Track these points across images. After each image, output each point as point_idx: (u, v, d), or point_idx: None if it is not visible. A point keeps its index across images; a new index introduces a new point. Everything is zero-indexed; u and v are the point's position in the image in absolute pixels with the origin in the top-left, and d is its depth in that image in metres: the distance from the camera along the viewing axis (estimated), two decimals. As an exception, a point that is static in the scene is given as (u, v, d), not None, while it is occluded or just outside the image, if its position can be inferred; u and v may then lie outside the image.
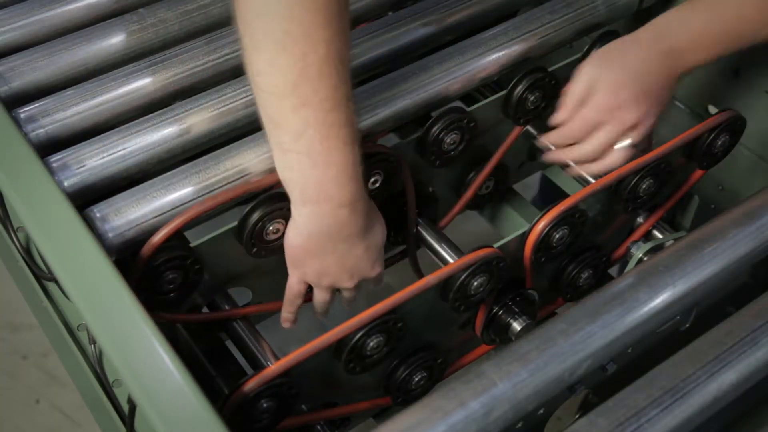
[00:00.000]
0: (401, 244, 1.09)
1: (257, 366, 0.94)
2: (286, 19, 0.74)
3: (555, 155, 1.03)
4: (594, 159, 0.98)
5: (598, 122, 0.96)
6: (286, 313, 0.97)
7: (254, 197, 0.92)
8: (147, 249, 0.86)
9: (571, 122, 0.98)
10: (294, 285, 0.93)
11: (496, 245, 0.92)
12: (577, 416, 0.79)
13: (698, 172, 1.08)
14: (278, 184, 0.92)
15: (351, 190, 0.83)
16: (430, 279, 0.87)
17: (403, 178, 1.00)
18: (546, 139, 1.03)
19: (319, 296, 0.94)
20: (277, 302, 0.98)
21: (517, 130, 1.09)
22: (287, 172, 0.83)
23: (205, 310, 0.99)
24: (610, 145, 0.96)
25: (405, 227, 1.05)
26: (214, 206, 0.89)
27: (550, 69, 1.09)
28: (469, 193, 1.12)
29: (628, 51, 0.96)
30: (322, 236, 0.85)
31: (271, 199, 0.91)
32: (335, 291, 0.94)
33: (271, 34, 0.75)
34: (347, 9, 0.78)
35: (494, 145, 1.12)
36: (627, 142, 0.96)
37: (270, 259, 0.95)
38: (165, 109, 0.98)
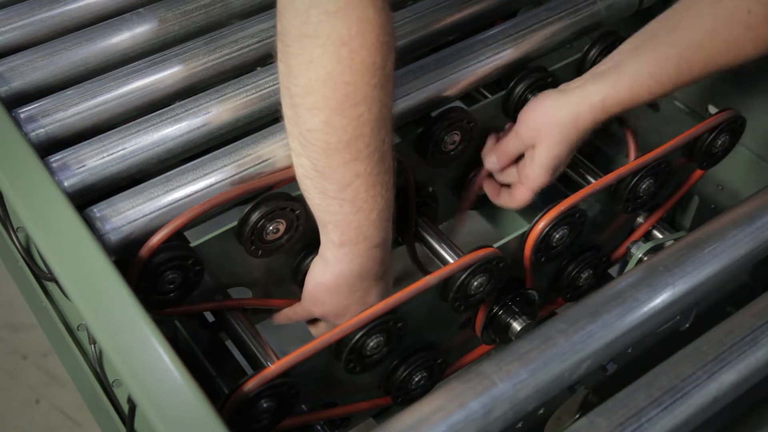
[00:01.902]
0: (401, 244, 1.09)
1: (257, 366, 0.94)
2: (347, 84, 0.76)
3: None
4: None
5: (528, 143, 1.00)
6: (281, 319, 0.98)
7: (254, 197, 0.92)
8: (145, 250, 0.86)
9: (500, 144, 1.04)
10: (301, 315, 0.94)
11: (496, 245, 0.92)
12: (577, 416, 0.79)
13: (698, 172, 1.08)
14: (278, 184, 0.92)
15: (386, 229, 0.86)
16: (430, 279, 0.87)
17: (404, 178, 1.00)
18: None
19: (322, 330, 0.95)
20: (281, 300, 0.98)
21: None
22: (327, 216, 0.84)
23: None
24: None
25: (405, 227, 1.05)
26: (213, 207, 0.89)
27: (550, 69, 1.09)
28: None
29: (559, 103, 0.97)
30: (353, 276, 0.87)
31: (271, 198, 0.91)
32: None
33: (332, 97, 0.77)
34: (393, 64, 0.80)
35: (494, 145, 1.12)
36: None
37: (270, 259, 0.95)
38: (165, 109, 0.98)
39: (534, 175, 0.98)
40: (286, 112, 0.81)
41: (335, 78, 0.76)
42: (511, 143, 1.01)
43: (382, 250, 0.87)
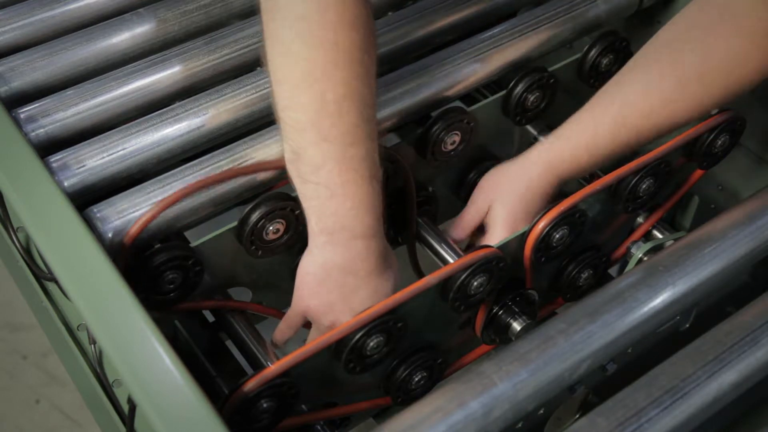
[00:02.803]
0: (401, 244, 1.09)
1: (257, 366, 0.94)
2: (306, 59, 0.77)
3: None
4: None
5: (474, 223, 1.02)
6: (279, 335, 0.96)
7: (254, 197, 0.92)
8: (128, 238, 0.86)
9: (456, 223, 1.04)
10: (293, 317, 0.92)
11: (496, 245, 0.92)
12: (577, 416, 0.79)
13: (698, 172, 1.08)
14: (263, 169, 0.92)
15: (367, 223, 0.84)
16: (430, 279, 0.87)
17: (404, 178, 1.00)
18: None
19: (315, 336, 0.92)
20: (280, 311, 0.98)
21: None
22: (306, 201, 0.84)
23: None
24: None
25: (405, 227, 1.05)
26: (197, 189, 0.90)
27: (550, 69, 1.09)
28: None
29: (511, 172, 1.00)
30: (334, 267, 0.86)
31: (271, 198, 0.91)
32: None
33: (292, 73, 0.78)
34: (372, 55, 0.81)
35: (494, 145, 1.12)
36: None
37: (270, 259, 0.95)
38: (165, 109, 0.98)
39: (493, 239, 0.99)
40: (272, 96, 0.82)
41: (294, 53, 0.77)
42: (470, 214, 1.02)
43: (366, 247, 0.85)
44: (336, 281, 0.86)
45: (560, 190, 0.99)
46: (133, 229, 0.86)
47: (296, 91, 0.79)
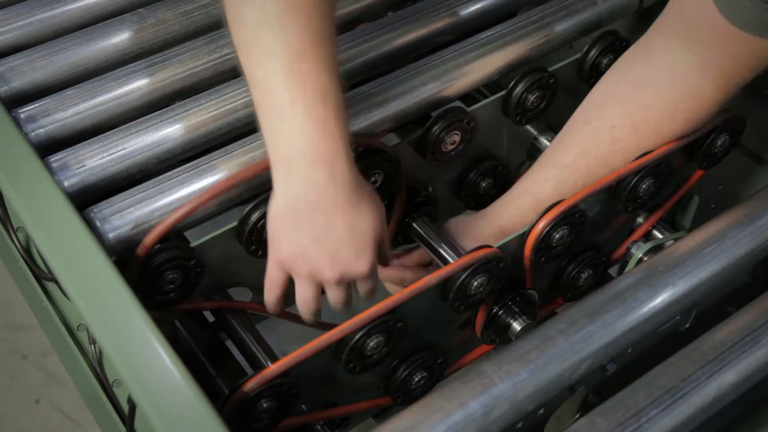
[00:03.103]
0: (401, 244, 1.09)
1: (257, 366, 0.94)
2: None
3: None
4: None
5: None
6: (267, 299, 0.89)
7: (254, 197, 0.92)
8: (141, 249, 0.86)
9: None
10: (271, 272, 0.85)
11: (496, 245, 0.92)
12: (577, 416, 0.79)
13: (698, 172, 1.08)
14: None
15: (326, 146, 0.77)
16: (430, 279, 0.87)
17: (396, 173, 0.99)
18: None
19: (301, 291, 0.85)
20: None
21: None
22: (263, 130, 0.80)
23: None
24: None
25: (406, 227, 1.05)
26: (209, 200, 0.89)
27: (550, 69, 1.09)
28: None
29: (464, 220, 1.03)
30: (299, 203, 0.79)
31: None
32: (320, 289, 0.86)
33: None
34: None
35: (494, 145, 1.12)
36: None
37: (270, 259, 0.95)
38: (165, 109, 0.98)
39: None
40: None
41: None
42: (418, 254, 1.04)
43: (329, 175, 0.78)
44: (304, 221, 0.79)
45: None
46: (149, 239, 0.86)
47: (238, 6, 0.77)
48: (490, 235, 1.00)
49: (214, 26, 1.09)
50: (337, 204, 0.79)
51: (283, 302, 0.89)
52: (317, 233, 0.80)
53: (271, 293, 0.88)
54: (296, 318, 0.92)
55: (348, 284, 0.86)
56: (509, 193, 1.02)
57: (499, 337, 0.99)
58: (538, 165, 1.00)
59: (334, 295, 0.86)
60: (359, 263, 0.83)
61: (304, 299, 0.86)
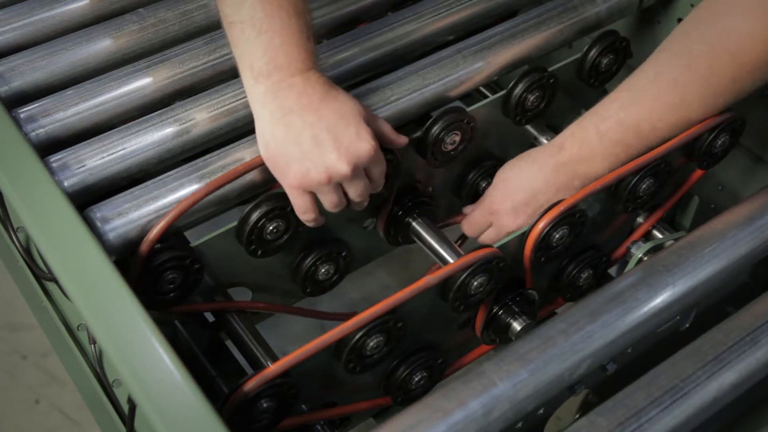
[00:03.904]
0: (401, 244, 1.09)
1: (257, 366, 0.94)
2: None
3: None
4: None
5: (485, 221, 1.03)
6: (309, 221, 0.90)
7: (254, 197, 0.92)
8: (145, 245, 0.86)
9: (469, 217, 1.05)
10: (295, 200, 0.87)
11: (496, 245, 0.92)
12: (577, 416, 0.79)
13: (698, 172, 1.08)
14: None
15: (301, 59, 0.81)
16: (430, 279, 0.87)
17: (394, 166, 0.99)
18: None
19: (327, 200, 0.87)
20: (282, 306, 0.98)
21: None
22: (236, 50, 0.82)
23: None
24: (492, 242, 0.98)
25: (405, 227, 1.05)
26: (207, 194, 0.89)
27: (550, 69, 1.09)
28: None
29: (529, 164, 1.01)
30: (285, 114, 0.82)
31: (271, 198, 0.91)
32: (342, 191, 0.87)
33: None
34: None
35: (494, 145, 1.12)
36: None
37: (270, 259, 0.95)
38: (165, 109, 0.98)
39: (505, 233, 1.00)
40: None
41: None
42: (478, 215, 1.04)
43: (305, 78, 0.82)
44: (295, 126, 0.82)
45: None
46: (144, 246, 0.86)
47: None
48: (551, 168, 0.98)
49: (214, 26, 1.09)
50: (320, 100, 0.82)
51: (322, 217, 0.90)
52: (313, 131, 0.82)
53: (307, 216, 0.89)
54: (305, 312, 0.92)
55: (363, 173, 0.87)
56: (581, 127, 0.98)
57: (499, 337, 0.99)
58: (611, 94, 0.98)
59: (356, 189, 0.88)
60: (362, 142, 0.84)
61: (334, 205, 0.87)
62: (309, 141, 0.82)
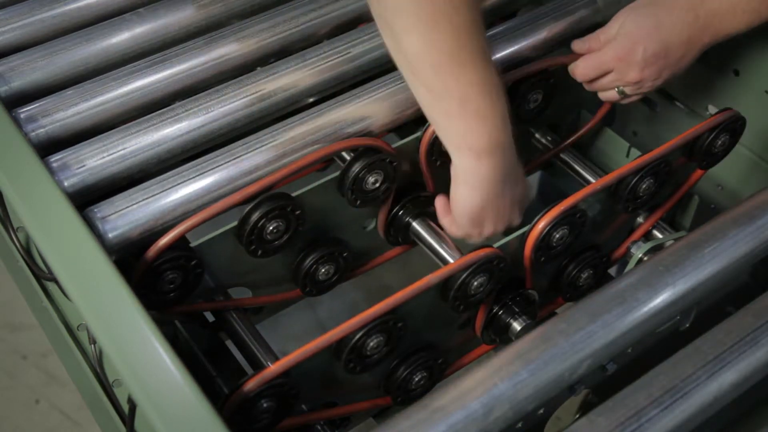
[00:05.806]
0: (400, 244, 1.09)
1: (257, 366, 0.94)
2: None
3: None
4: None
5: (607, 68, 1.00)
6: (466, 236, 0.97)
7: (254, 197, 0.92)
8: (153, 251, 0.86)
9: (586, 59, 1.02)
10: (466, 233, 0.95)
11: (496, 245, 0.92)
12: (577, 416, 0.79)
13: (698, 172, 1.08)
14: (284, 179, 0.92)
15: (510, 131, 0.87)
16: (430, 279, 0.87)
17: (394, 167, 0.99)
18: (570, 66, 1.06)
19: (483, 234, 0.95)
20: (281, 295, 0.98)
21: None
22: (459, 139, 0.86)
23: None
24: (609, 89, 1.00)
25: (405, 227, 1.05)
26: (221, 211, 0.89)
27: (549, 69, 1.09)
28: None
29: (661, 11, 0.97)
30: (498, 183, 0.89)
31: (271, 198, 0.91)
32: None
33: (421, 13, 0.78)
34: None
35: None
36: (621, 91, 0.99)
37: (270, 259, 0.95)
38: (165, 109, 0.98)
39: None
40: (392, 54, 0.83)
41: None
42: (595, 60, 1.01)
43: (512, 150, 0.88)
44: (503, 191, 0.90)
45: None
46: (152, 252, 0.86)
47: (427, 30, 0.79)
48: (687, 19, 0.95)
49: (214, 26, 1.09)
50: (517, 166, 0.91)
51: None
52: (511, 195, 0.92)
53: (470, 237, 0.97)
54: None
55: None
56: None
57: (499, 337, 0.99)
58: None
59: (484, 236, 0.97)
60: (519, 217, 0.96)
61: (484, 238, 0.95)
62: (507, 205, 0.92)
